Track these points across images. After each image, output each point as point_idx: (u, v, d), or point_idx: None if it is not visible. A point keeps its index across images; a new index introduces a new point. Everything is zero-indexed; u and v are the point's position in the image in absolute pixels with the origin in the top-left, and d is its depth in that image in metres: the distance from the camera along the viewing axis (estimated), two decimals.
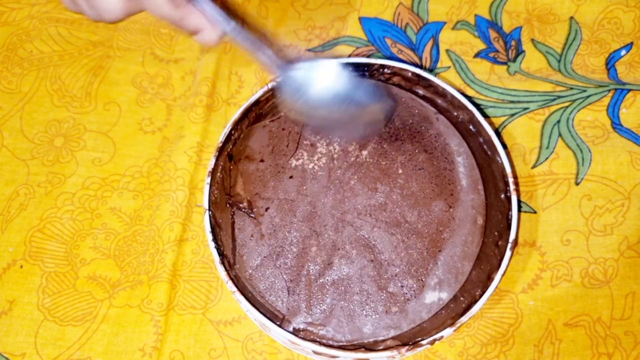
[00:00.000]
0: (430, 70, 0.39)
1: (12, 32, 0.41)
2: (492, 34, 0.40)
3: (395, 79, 0.37)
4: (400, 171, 0.34)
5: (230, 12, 0.29)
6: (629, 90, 0.37)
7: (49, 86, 0.40)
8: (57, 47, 0.41)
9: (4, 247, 0.35)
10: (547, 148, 0.36)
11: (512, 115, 0.37)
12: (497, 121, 0.38)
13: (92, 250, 0.35)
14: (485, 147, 0.34)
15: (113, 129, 0.38)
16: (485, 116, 0.37)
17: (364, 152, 0.34)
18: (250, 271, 0.32)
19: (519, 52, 0.40)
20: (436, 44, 0.40)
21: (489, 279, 0.30)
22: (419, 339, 0.29)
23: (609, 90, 0.37)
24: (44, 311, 0.33)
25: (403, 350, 0.29)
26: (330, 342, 0.30)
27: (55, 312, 0.33)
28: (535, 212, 0.35)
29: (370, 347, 0.30)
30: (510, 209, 0.32)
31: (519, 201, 0.32)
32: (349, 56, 0.40)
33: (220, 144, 0.33)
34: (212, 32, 0.28)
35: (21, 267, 0.34)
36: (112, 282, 0.34)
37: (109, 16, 0.27)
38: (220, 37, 0.29)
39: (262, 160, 0.34)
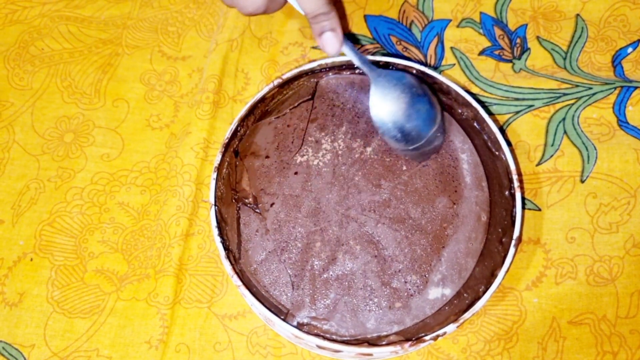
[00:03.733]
0: (435, 68, 0.39)
1: (23, 30, 0.42)
2: (497, 32, 0.40)
3: None
4: (404, 168, 0.34)
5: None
6: (636, 87, 0.37)
7: (59, 83, 0.40)
8: (68, 44, 0.42)
9: (14, 241, 0.36)
10: (552, 145, 0.36)
11: (517, 112, 0.37)
12: (502, 118, 0.38)
13: (100, 244, 0.35)
14: (489, 144, 0.35)
15: (121, 125, 0.39)
16: (490, 113, 0.37)
17: (368, 149, 0.34)
18: (255, 266, 0.32)
19: (524, 49, 0.39)
20: (441, 42, 0.40)
21: (493, 275, 0.30)
22: (422, 334, 0.29)
23: (615, 88, 0.37)
24: (53, 303, 0.34)
25: (406, 345, 0.29)
26: (334, 337, 0.30)
27: (64, 305, 0.34)
28: (539, 210, 0.35)
29: (373, 342, 0.30)
30: (514, 206, 0.32)
31: (523, 198, 0.32)
32: None
33: (227, 140, 0.34)
34: (337, 39, 0.29)
35: (31, 260, 0.35)
36: (119, 276, 0.35)
37: (253, 8, 0.28)
38: (341, 47, 0.30)
39: (267, 157, 0.35)
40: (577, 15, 0.40)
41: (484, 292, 0.30)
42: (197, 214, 0.36)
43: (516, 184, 0.32)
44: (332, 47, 0.30)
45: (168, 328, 0.33)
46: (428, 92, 0.32)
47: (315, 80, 0.37)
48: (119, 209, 0.36)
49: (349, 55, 0.32)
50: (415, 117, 0.31)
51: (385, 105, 0.31)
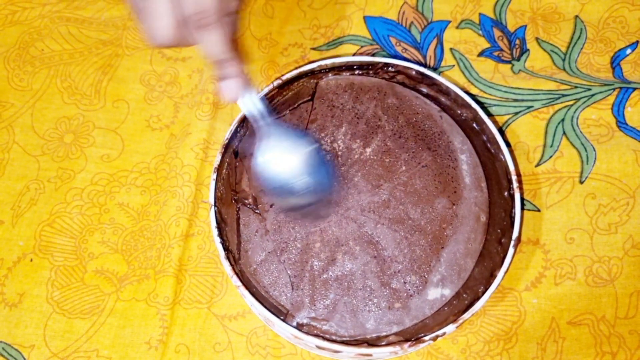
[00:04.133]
0: (434, 69, 0.40)
1: (24, 31, 0.42)
2: (497, 33, 0.40)
3: (400, 78, 0.37)
4: (403, 168, 0.34)
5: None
6: (635, 89, 0.37)
7: (60, 84, 0.40)
8: (68, 45, 0.42)
9: (14, 241, 0.36)
10: (551, 146, 0.36)
11: (516, 113, 0.38)
12: (501, 119, 0.38)
13: (100, 244, 0.36)
14: (488, 145, 0.35)
15: (121, 126, 0.39)
16: (489, 114, 0.38)
17: (368, 150, 0.34)
18: (254, 266, 0.32)
19: (524, 50, 0.40)
20: (440, 43, 0.40)
21: (492, 276, 0.31)
22: (422, 335, 0.29)
23: (614, 89, 0.37)
24: (53, 304, 0.34)
25: (405, 346, 0.29)
26: (334, 337, 0.30)
27: (64, 305, 0.34)
28: (539, 210, 0.35)
29: (373, 343, 0.30)
30: (513, 206, 0.32)
31: (522, 199, 0.32)
32: (354, 55, 0.40)
33: (226, 141, 0.34)
34: (237, 86, 0.30)
35: (31, 260, 0.35)
36: (119, 276, 0.35)
37: (160, 41, 0.28)
38: (239, 95, 0.30)
39: None
40: (576, 16, 0.40)
41: (483, 293, 0.30)
42: (197, 215, 0.36)
43: (515, 184, 0.32)
44: (231, 94, 0.30)
45: (168, 328, 0.33)
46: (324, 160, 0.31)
47: (315, 81, 0.37)
48: (118, 210, 0.37)
49: (249, 106, 0.31)
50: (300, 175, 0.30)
51: (277, 159, 0.31)
